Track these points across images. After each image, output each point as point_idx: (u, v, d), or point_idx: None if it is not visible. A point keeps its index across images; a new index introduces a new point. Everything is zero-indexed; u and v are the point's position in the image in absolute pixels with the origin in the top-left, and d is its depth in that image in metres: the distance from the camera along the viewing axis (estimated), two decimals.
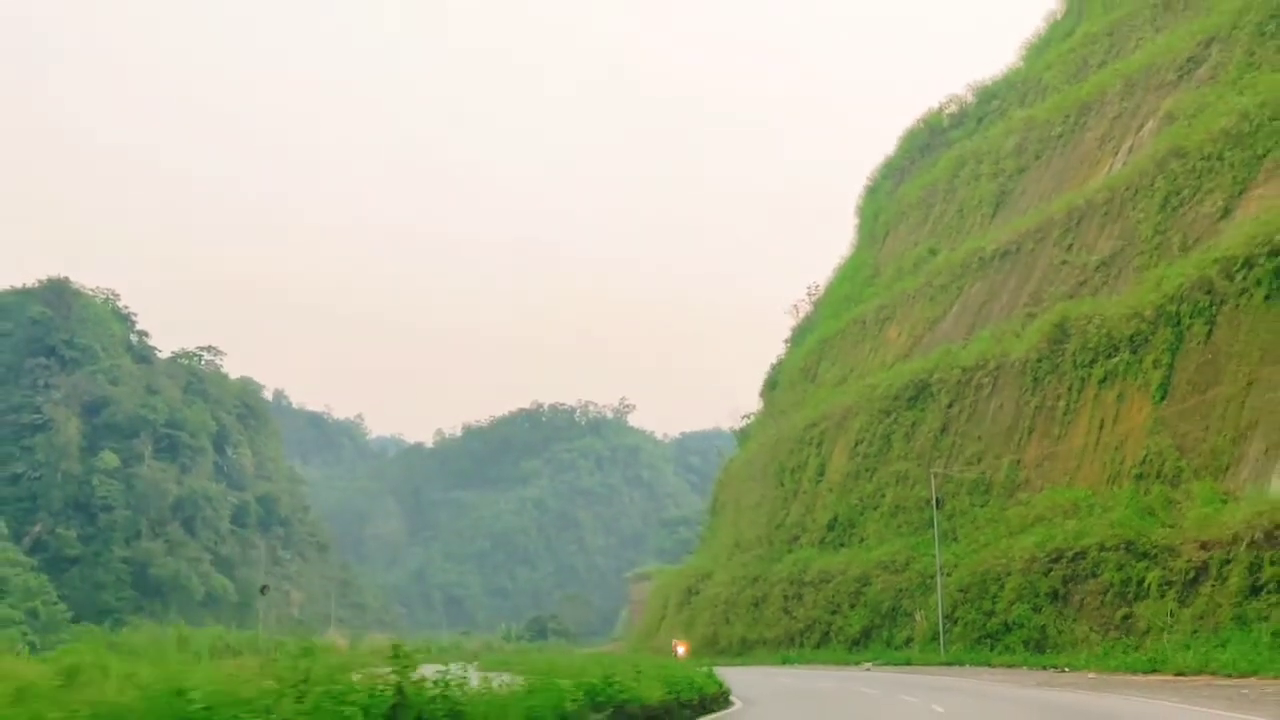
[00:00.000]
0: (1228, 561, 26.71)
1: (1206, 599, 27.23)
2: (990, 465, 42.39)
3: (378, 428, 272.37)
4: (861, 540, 48.03)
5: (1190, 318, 34.38)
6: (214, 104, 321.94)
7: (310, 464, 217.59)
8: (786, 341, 79.36)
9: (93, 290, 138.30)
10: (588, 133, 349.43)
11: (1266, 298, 31.32)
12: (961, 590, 38.30)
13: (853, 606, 45.14)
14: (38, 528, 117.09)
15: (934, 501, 40.88)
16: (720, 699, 20.25)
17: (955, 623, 38.21)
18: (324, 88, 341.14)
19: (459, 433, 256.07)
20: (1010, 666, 32.61)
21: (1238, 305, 32.43)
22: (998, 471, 41.55)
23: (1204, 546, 28.02)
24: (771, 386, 75.06)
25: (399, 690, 10.83)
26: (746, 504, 63.31)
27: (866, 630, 44.05)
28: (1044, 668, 30.65)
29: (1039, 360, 41.87)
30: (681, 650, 30.13)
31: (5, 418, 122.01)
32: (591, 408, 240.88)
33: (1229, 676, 22.49)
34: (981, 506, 41.46)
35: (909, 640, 41.51)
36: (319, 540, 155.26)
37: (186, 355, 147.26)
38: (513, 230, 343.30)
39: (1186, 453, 32.53)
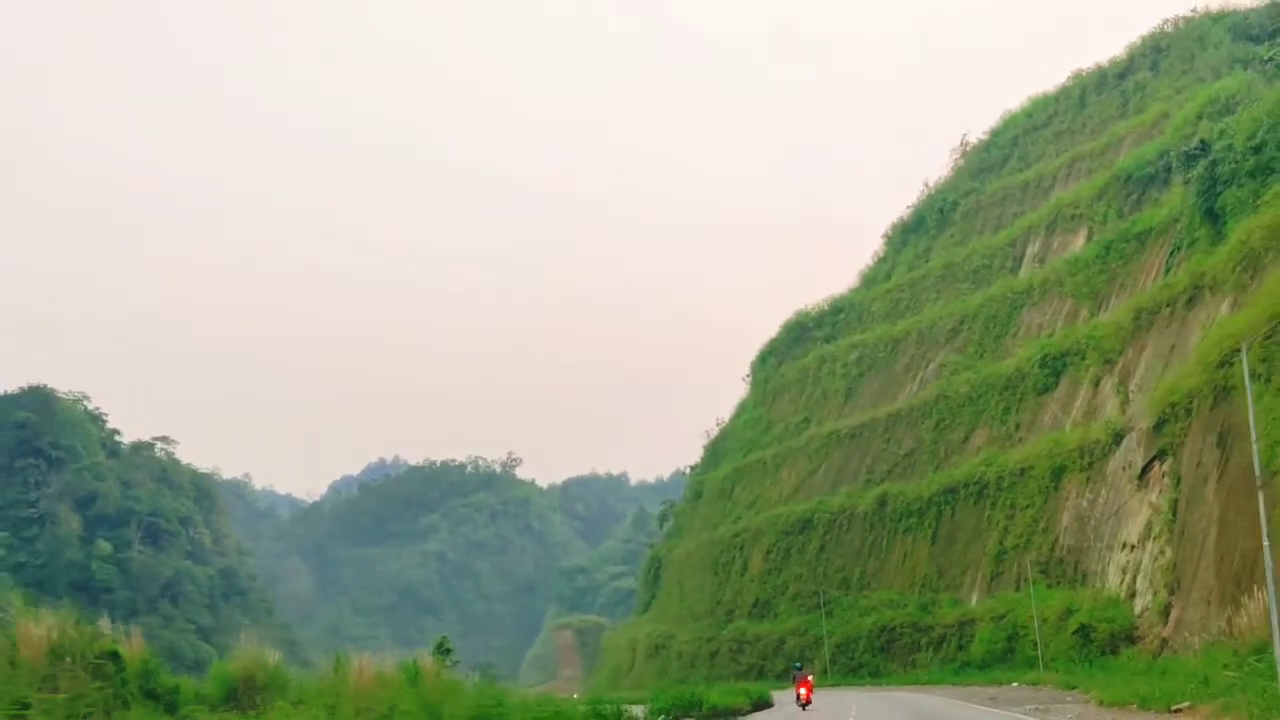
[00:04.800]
0: (951, 636, 65.27)
1: (945, 653, 65.67)
2: (849, 572, 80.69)
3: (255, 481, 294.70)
4: (776, 615, 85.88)
5: (944, 505, 73.19)
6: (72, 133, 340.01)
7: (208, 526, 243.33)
8: (701, 458, 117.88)
9: (65, 394, 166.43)
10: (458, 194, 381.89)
11: (974, 503, 70.29)
12: (838, 646, 76.44)
13: (775, 655, 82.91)
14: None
15: (821, 598, 79.05)
16: (767, 702, 55.99)
17: (835, 664, 76.23)
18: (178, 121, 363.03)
19: (348, 488, 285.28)
20: (861, 686, 70.42)
21: (964, 506, 71.32)
22: (853, 577, 79.87)
23: (945, 627, 66.58)
24: (696, 495, 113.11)
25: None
26: (690, 586, 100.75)
27: (785, 669, 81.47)
28: (875, 685, 68.56)
29: (872, 513, 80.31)
30: (810, 678, 48.19)
31: (5, 513, 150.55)
32: (481, 462, 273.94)
33: (940, 685, 60.51)
34: (845, 596, 79.62)
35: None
36: (266, 605, 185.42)
37: (145, 445, 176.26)
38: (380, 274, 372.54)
39: (943, 576, 71.22)
